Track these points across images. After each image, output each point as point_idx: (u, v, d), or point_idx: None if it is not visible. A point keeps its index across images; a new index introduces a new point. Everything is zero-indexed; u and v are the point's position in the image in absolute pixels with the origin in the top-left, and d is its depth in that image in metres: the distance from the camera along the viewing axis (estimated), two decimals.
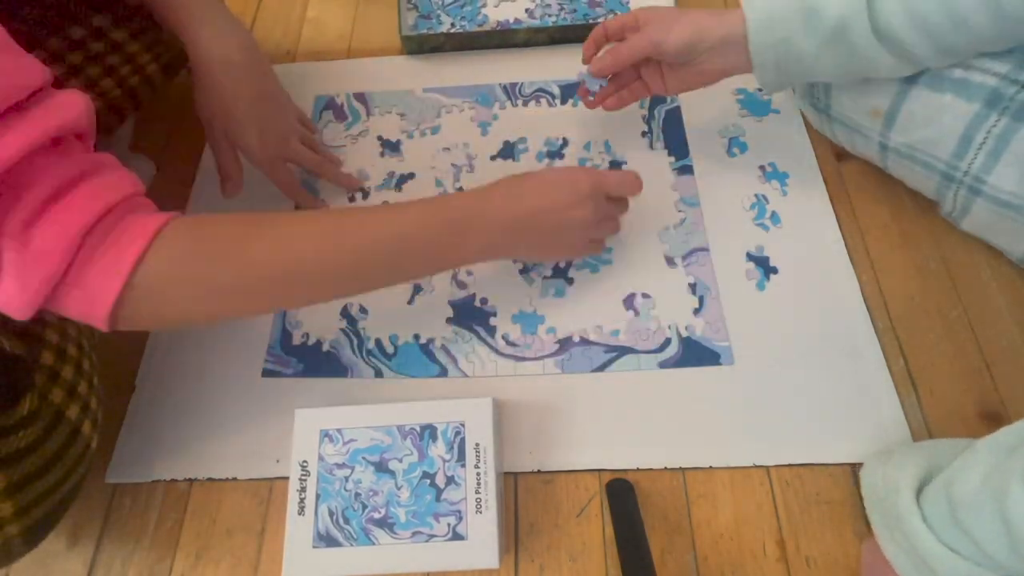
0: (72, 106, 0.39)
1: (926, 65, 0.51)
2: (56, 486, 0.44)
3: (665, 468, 0.53)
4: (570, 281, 0.61)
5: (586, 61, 0.62)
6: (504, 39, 0.76)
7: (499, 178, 0.52)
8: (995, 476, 0.37)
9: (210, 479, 0.54)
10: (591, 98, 0.65)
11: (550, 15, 0.78)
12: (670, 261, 0.61)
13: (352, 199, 0.67)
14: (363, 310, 0.61)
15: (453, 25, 0.78)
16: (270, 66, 0.61)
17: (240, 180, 0.62)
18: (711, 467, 0.52)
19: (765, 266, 0.61)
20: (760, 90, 0.71)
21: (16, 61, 0.37)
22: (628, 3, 0.78)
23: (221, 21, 0.57)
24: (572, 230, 0.52)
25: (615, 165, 0.67)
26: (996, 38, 0.48)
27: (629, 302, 0.60)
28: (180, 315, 0.44)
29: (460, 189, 0.67)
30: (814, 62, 0.53)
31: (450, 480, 0.48)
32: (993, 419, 0.53)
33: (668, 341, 0.58)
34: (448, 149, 0.70)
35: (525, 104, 0.73)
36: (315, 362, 0.58)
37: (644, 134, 0.69)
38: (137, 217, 0.41)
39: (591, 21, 0.76)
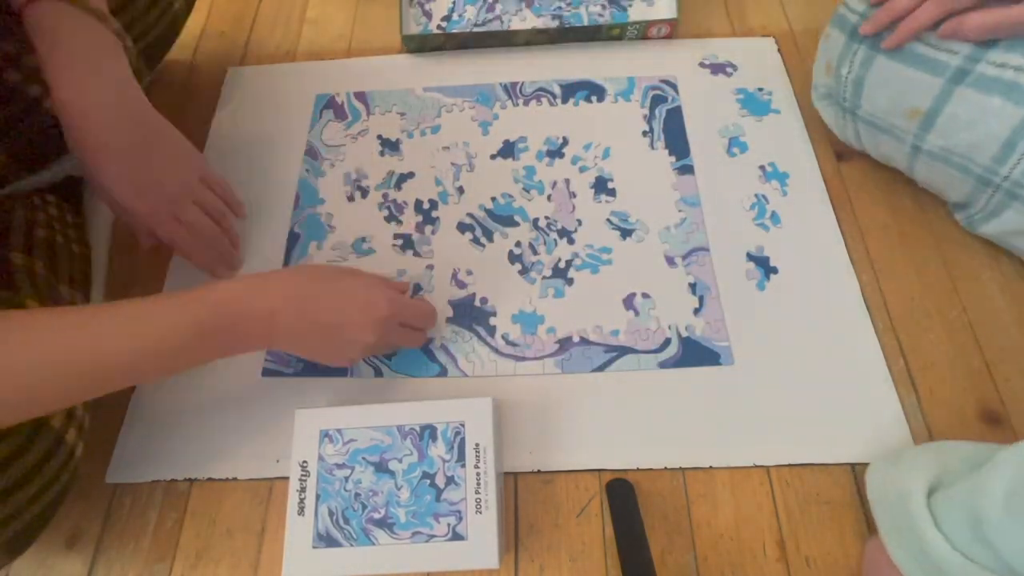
0: None
1: None
2: (38, 495, 0.44)
3: (665, 468, 0.53)
4: (570, 281, 0.61)
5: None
6: (505, 39, 0.76)
7: (301, 269, 0.51)
8: (1019, 491, 0.36)
9: (210, 479, 0.54)
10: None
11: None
12: (670, 261, 0.61)
13: (351, 199, 0.67)
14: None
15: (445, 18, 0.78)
16: (159, 119, 0.55)
17: (144, 232, 0.58)
18: (711, 467, 0.52)
19: (765, 266, 0.61)
20: (760, 89, 0.71)
21: None
22: (628, 6, 0.78)
23: (90, 67, 0.50)
24: (354, 347, 0.51)
25: (603, 180, 0.67)
26: None
27: (629, 302, 0.60)
28: None
29: (460, 189, 0.67)
30: None
31: (450, 480, 0.48)
32: (993, 419, 0.53)
33: (668, 341, 0.58)
34: (448, 148, 0.70)
35: (526, 103, 0.73)
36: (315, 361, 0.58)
37: (645, 134, 0.69)
38: None
39: (594, 22, 0.76)
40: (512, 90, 0.74)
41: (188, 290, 0.45)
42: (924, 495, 0.43)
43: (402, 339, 0.55)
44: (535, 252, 0.63)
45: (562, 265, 0.62)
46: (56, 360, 0.40)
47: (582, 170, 0.67)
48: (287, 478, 0.49)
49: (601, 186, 0.66)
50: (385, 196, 0.67)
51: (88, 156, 0.52)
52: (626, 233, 0.63)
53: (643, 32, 0.75)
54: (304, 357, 0.55)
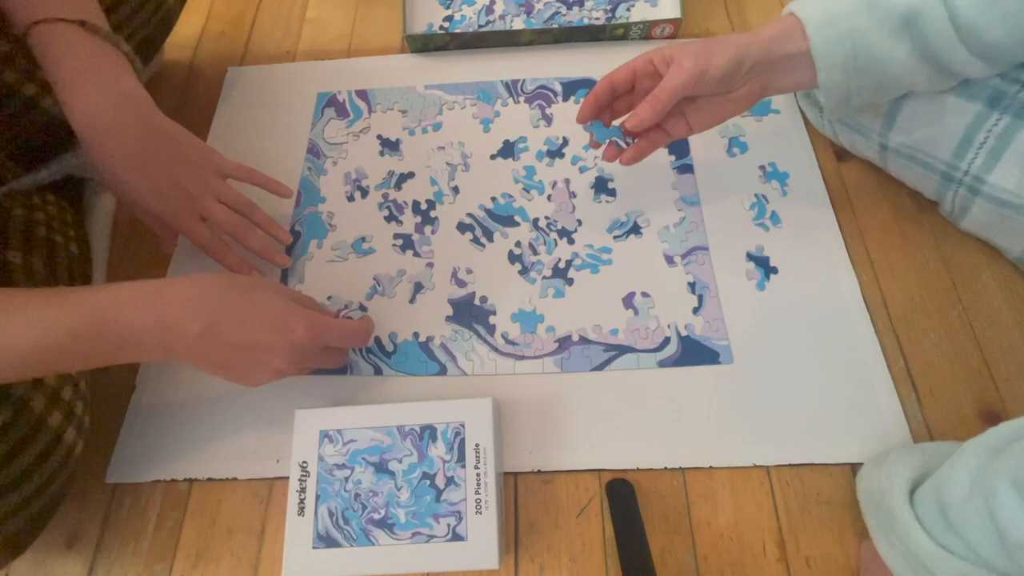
0: None
1: (1007, 60, 0.47)
2: (36, 494, 0.44)
3: (665, 468, 0.53)
4: (570, 281, 0.61)
5: (583, 120, 0.56)
6: (508, 39, 0.76)
7: (209, 278, 0.46)
8: (982, 478, 0.38)
9: (210, 479, 0.54)
10: (603, 145, 0.58)
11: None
12: (669, 260, 0.61)
13: (351, 198, 0.67)
14: (362, 308, 0.61)
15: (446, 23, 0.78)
16: (170, 123, 0.56)
17: (169, 236, 0.61)
18: (711, 467, 0.52)
19: (765, 266, 0.61)
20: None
21: None
22: (630, 8, 0.77)
23: (92, 79, 0.51)
24: (263, 370, 0.47)
25: (603, 180, 0.67)
26: None
27: (628, 301, 0.60)
28: None
29: (456, 188, 0.67)
30: (888, 54, 0.48)
31: (450, 481, 0.48)
32: (993, 419, 0.53)
33: (667, 340, 0.58)
34: (443, 148, 0.70)
35: (528, 101, 0.72)
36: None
37: None
38: None
39: (597, 23, 0.76)
40: (513, 87, 0.74)
41: (71, 292, 0.42)
42: (906, 492, 0.43)
43: (320, 363, 0.53)
44: (535, 252, 0.63)
45: (562, 265, 0.62)
46: None
47: (582, 170, 0.67)
48: (287, 478, 0.49)
49: (601, 186, 0.66)
50: (385, 196, 0.67)
51: (107, 166, 0.53)
52: (625, 232, 0.63)
53: (647, 32, 0.75)
54: (209, 373, 0.47)
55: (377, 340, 0.59)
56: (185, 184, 0.55)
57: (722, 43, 0.51)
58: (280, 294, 0.48)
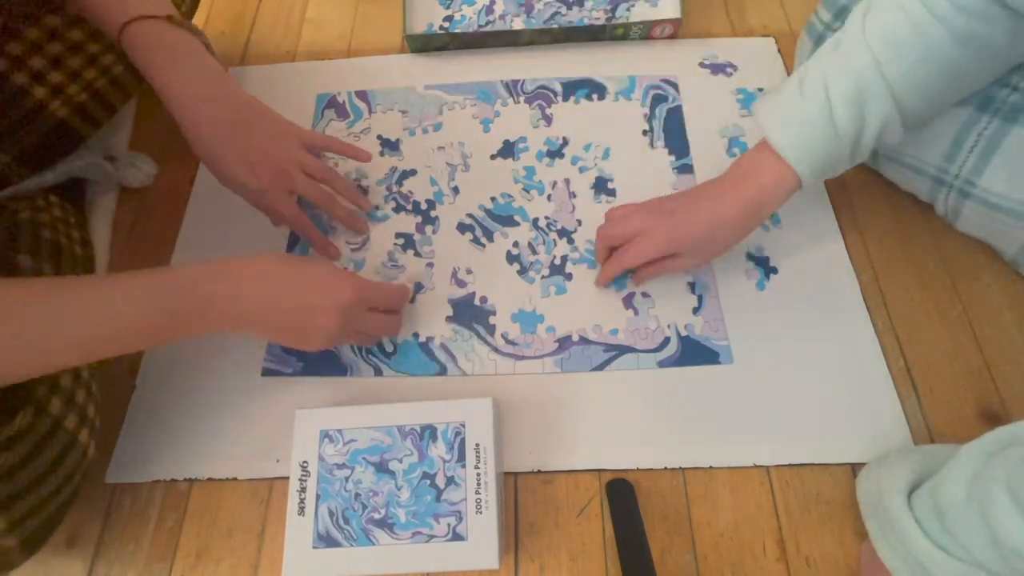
0: None
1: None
2: (52, 495, 0.44)
3: (665, 468, 0.53)
4: (568, 276, 0.61)
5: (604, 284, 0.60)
6: (509, 40, 0.76)
7: (266, 255, 0.51)
8: (978, 483, 0.38)
9: (210, 479, 0.54)
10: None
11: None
12: None
13: None
14: None
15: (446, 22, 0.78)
16: (254, 100, 0.58)
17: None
18: (711, 467, 0.52)
19: (765, 266, 0.61)
20: (761, 89, 0.71)
21: None
22: (629, 8, 0.78)
23: (183, 60, 0.55)
24: (318, 333, 0.51)
25: (603, 180, 0.67)
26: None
27: (628, 301, 0.60)
28: None
29: (456, 189, 0.67)
30: (851, 160, 0.52)
31: (450, 480, 0.48)
32: (993, 419, 0.53)
33: (667, 340, 0.58)
34: (443, 148, 0.70)
35: (528, 101, 0.72)
36: (315, 361, 0.58)
37: (645, 133, 0.69)
38: None
39: (597, 23, 0.76)
40: (513, 88, 0.74)
41: (151, 272, 0.46)
42: (904, 493, 0.44)
43: (374, 325, 0.55)
44: (535, 252, 0.63)
45: (558, 261, 0.62)
46: (18, 340, 0.40)
47: (582, 170, 0.67)
48: (287, 478, 0.49)
49: (601, 186, 0.66)
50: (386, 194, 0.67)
51: (202, 140, 0.55)
52: None
53: (647, 32, 0.75)
54: (271, 341, 0.54)
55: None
56: (274, 157, 0.57)
57: (727, 233, 0.53)
58: (328, 264, 0.53)
